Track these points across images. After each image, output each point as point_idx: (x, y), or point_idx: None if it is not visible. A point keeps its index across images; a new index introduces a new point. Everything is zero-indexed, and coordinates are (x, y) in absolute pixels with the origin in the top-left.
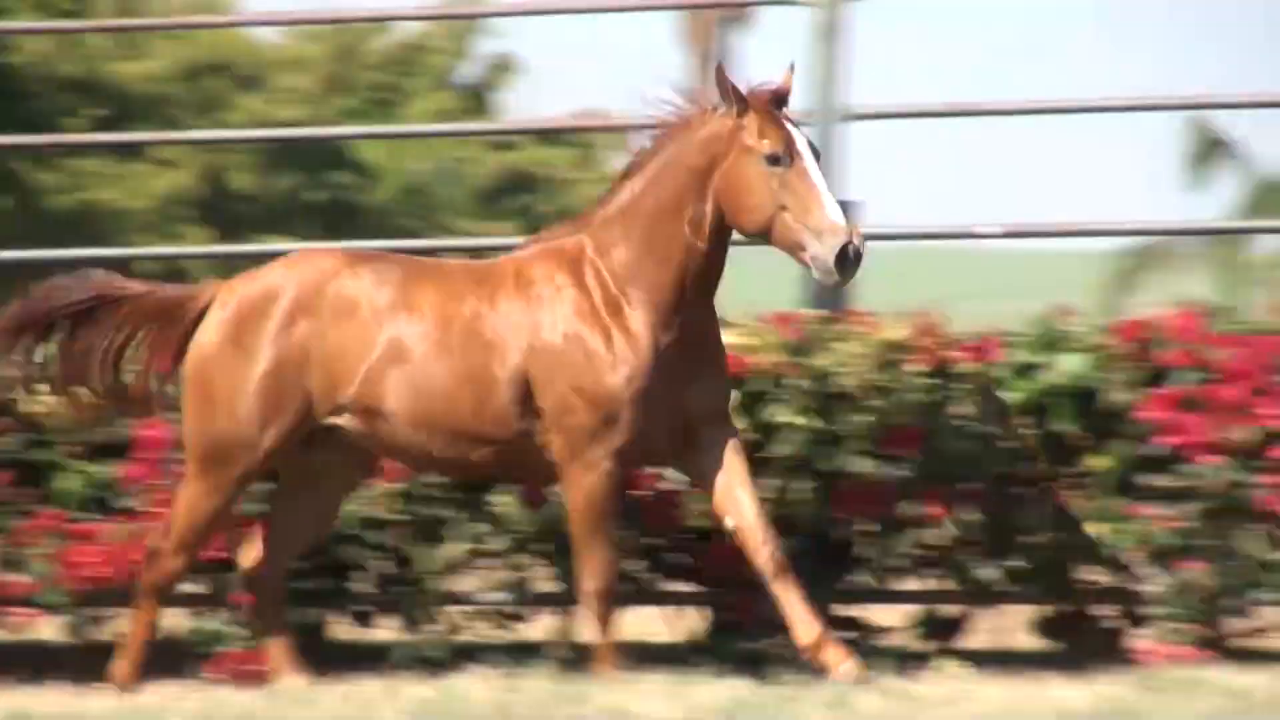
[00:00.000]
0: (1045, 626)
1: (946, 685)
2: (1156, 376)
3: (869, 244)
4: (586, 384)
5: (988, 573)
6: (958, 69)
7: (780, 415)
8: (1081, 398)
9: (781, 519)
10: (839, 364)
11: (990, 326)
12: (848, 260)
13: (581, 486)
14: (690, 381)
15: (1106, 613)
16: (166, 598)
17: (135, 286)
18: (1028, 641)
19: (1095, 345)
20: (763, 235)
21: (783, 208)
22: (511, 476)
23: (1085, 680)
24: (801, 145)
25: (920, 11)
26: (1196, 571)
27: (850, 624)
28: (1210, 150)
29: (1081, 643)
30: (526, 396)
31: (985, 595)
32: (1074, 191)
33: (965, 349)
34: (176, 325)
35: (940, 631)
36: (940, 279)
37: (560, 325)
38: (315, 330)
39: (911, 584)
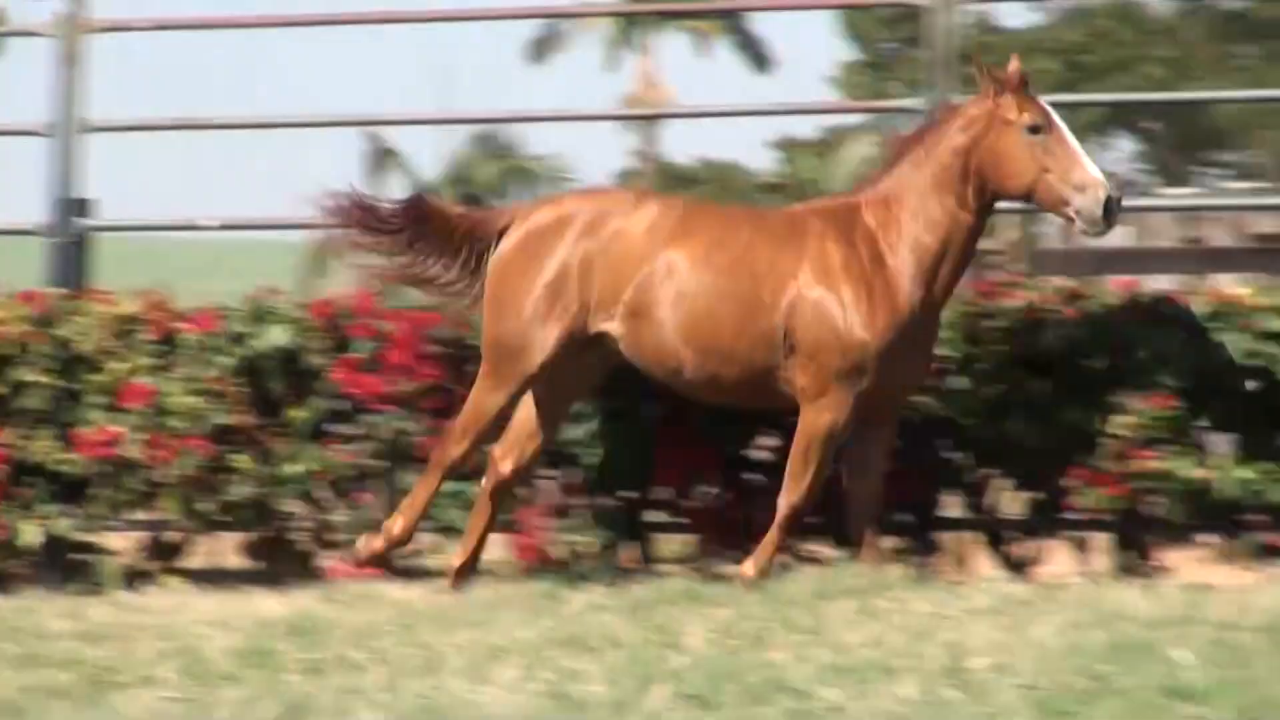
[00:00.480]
0: (252, 550)
1: (169, 598)
2: (343, 344)
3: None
4: (841, 332)
5: (205, 505)
6: (197, 86)
7: (26, 375)
8: (285, 361)
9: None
10: (78, 332)
11: (210, 303)
12: (1112, 209)
13: (817, 421)
14: (922, 346)
15: (302, 537)
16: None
17: (452, 208)
18: (237, 562)
19: (295, 319)
20: (1026, 197)
21: (1046, 170)
22: (757, 402)
23: (283, 594)
24: (1055, 116)
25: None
26: (370, 502)
27: (86, 548)
28: (383, 159)
29: (281, 563)
30: (786, 330)
31: (203, 524)
32: (280, 190)
33: (188, 321)
34: (483, 240)
35: (164, 554)
36: (170, 265)
37: (824, 275)
38: (600, 246)
39: (140, 515)
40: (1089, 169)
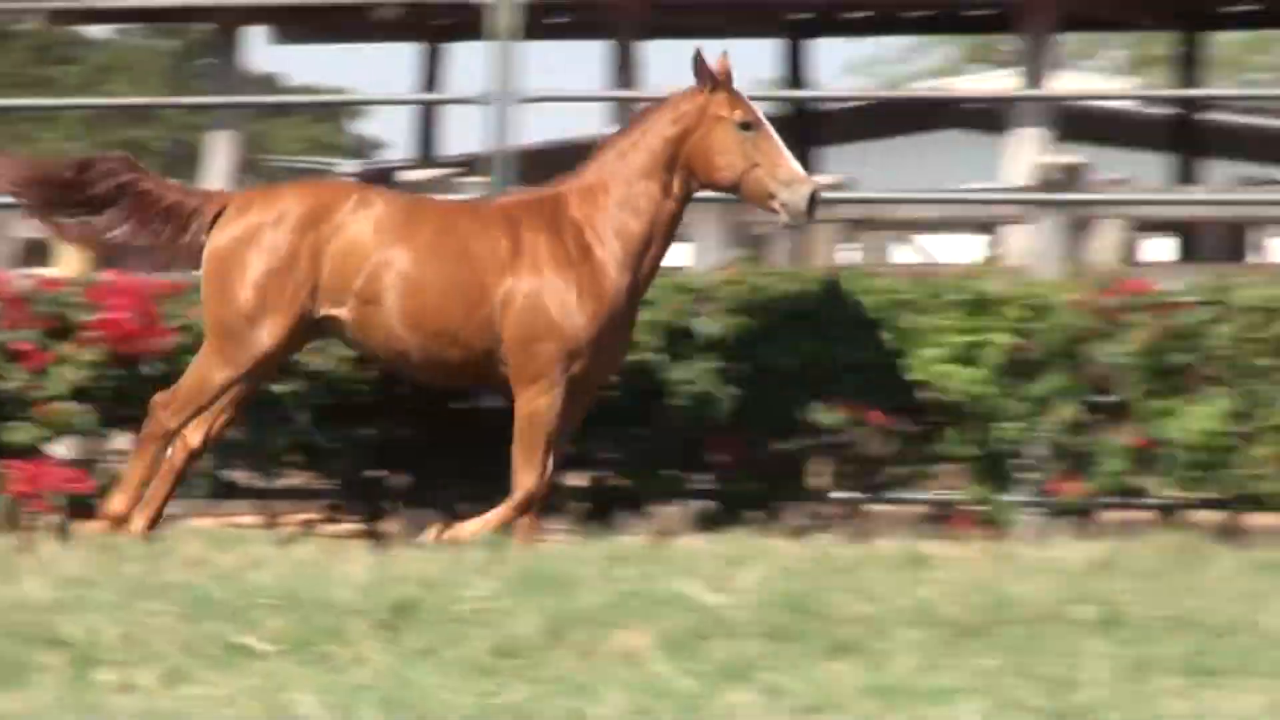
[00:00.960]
0: None
1: None
2: None
3: None
4: (553, 321)
5: None
6: None
7: None
8: None
9: None
10: None
11: None
12: (815, 204)
13: (533, 406)
14: (625, 330)
15: None
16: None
17: (152, 181)
18: None
19: None
20: (733, 189)
21: (755, 165)
22: (478, 383)
23: None
24: (762, 115)
25: None
26: None
27: None
28: None
29: None
30: (501, 319)
31: None
32: None
33: None
34: (191, 217)
35: None
36: None
37: (534, 266)
38: (327, 236)
39: None
40: (795, 166)
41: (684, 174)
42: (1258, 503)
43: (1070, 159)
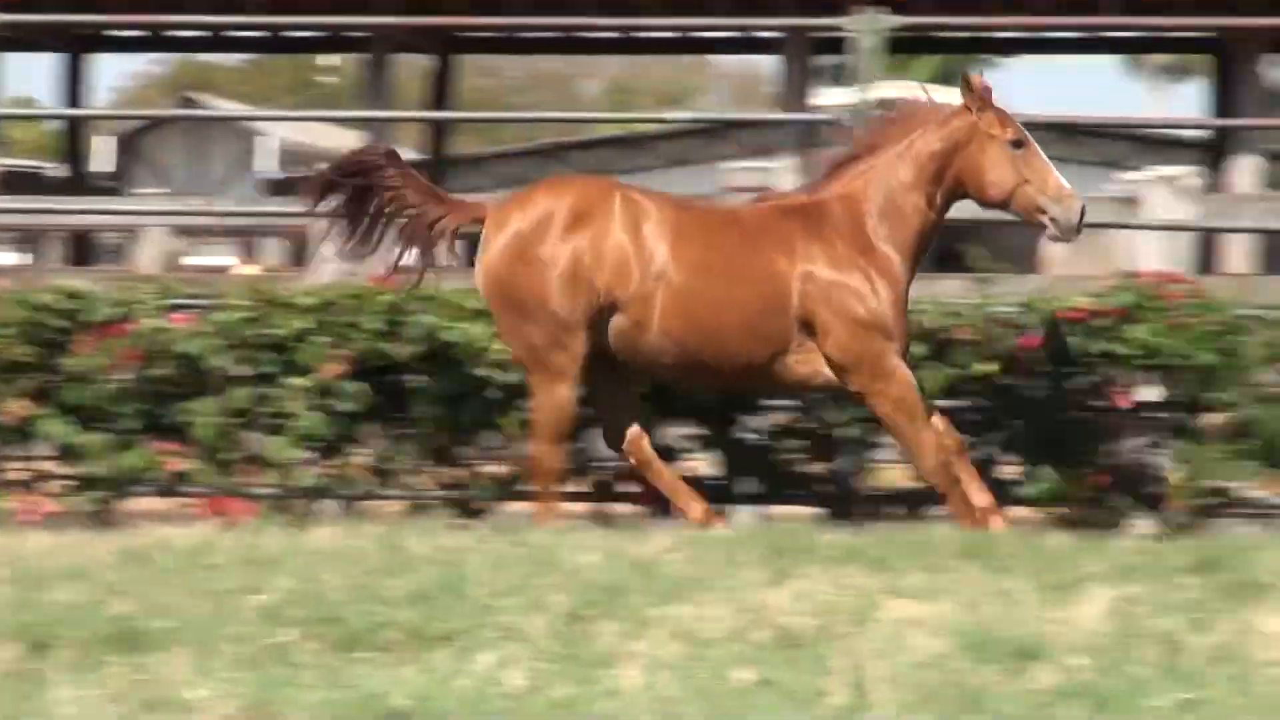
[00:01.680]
0: None
1: None
2: None
3: None
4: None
5: None
6: None
7: None
8: None
9: None
10: None
11: None
12: (1083, 217)
13: (889, 394)
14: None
15: None
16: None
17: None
18: None
19: None
20: (1003, 205)
21: (1025, 181)
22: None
23: None
24: (1028, 135)
25: None
26: None
27: None
28: None
29: None
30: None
31: None
32: None
33: None
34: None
35: None
36: None
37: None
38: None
39: None
40: (1064, 182)
41: (949, 188)
42: None
43: None
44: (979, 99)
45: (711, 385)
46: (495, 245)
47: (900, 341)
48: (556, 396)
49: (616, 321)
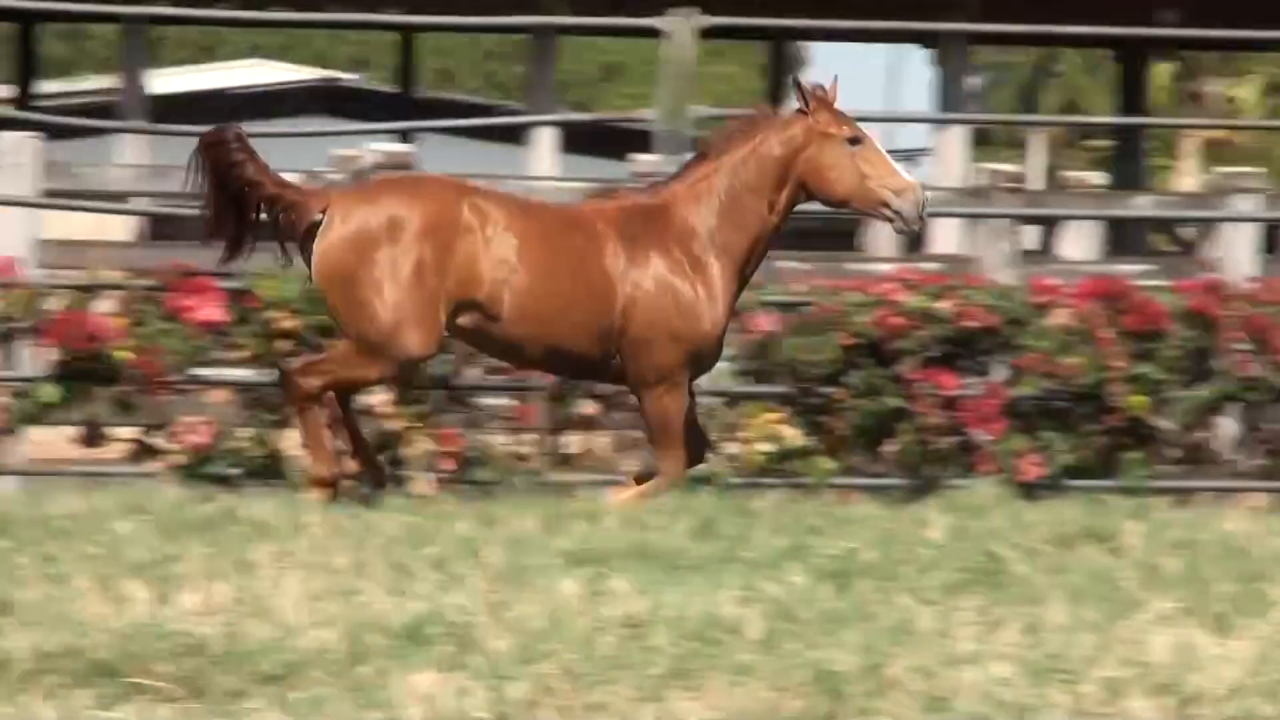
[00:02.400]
0: None
1: None
2: None
3: None
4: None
5: None
6: None
7: None
8: None
9: None
10: None
11: None
12: (924, 209)
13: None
14: None
15: None
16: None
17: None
18: None
19: None
20: (846, 202)
21: (865, 177)
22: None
23: None
24: (864, 129)
25: None
26: None
27: None
28: None
29: None
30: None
31: None
32: None
33: None
34: (289, 219)
35: None
36: None
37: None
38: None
39: None
40: (905, 175)
41: (792, 192)
42: None
43: None
44: (813, 100)
45: (560, 374)
46: (336, 235)
47: (710, 355)
48: (361, 371)
49: (464, 319)
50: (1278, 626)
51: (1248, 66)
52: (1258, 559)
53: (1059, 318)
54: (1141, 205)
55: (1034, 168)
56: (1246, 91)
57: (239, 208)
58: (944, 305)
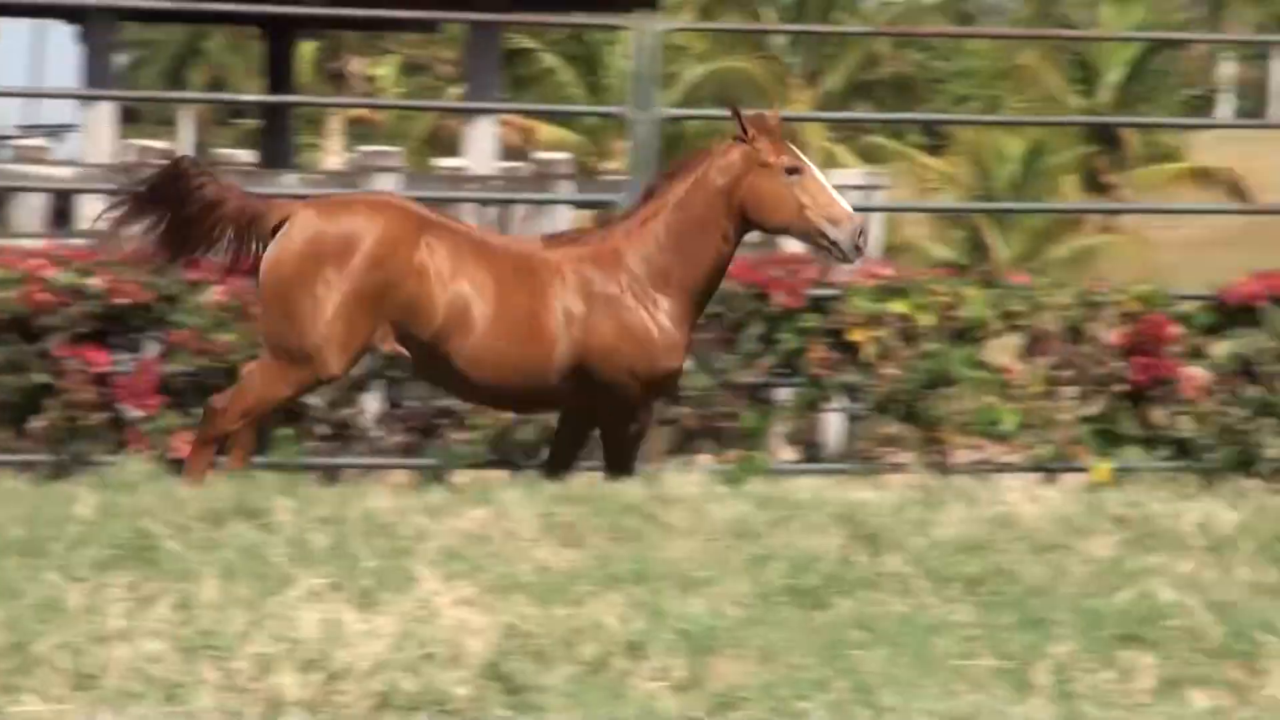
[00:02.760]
0: None
1: None
2: None
3: None
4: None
5: None
6: None
7: None
8: None
9: None
10: None
11: None
12: (863, 239)
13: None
14: None
15: None
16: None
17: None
18: None
19: None
20: (785, 230)
21: (804, 207)
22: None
23: None
24: (805, 158)
25: None
26: None
27: None
28: None
29: None
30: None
31: None
32: None
33: None
34: (252, 231)
35: None
36: None
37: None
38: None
39: None
40: (843, 205)
41: (737, 221)
42: None
43: None
44: (752, 128)
45: (512, 411)
46: (289, 244)
47: (670, 388)
48: (275, 389)
49: (414, 349)
50: (420, 602)
51: (386, 46)
52: (401, 535)
53: (213, 295)
54: (289, 183)
55: (184, 145)
56: (386, 70)
57: (193, 229)
58: (95, 282)
